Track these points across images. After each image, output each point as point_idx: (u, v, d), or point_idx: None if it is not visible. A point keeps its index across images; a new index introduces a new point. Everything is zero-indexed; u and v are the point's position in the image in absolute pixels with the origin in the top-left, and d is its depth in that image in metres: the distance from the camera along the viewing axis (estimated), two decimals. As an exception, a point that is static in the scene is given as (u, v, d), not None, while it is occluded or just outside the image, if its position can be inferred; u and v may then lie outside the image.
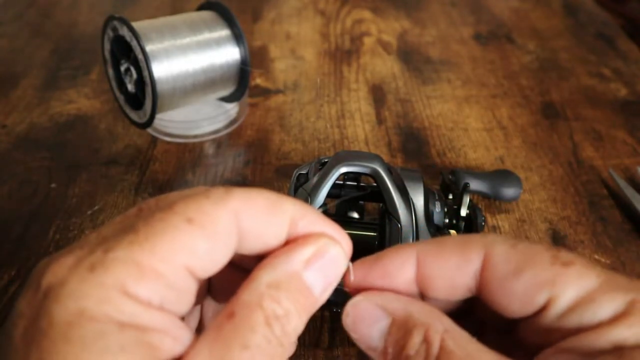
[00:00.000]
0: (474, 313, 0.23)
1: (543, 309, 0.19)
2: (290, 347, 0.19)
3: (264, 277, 0.19)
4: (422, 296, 0.22)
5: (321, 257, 0.20)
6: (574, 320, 0.19)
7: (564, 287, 0.19)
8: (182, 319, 0.19)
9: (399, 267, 0.22)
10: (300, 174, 0.38)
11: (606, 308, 0.18)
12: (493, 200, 0.48)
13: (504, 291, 0.20)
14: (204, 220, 0.18)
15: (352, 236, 0.36)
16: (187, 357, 0.17)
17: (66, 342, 0.16)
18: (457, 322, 0.20)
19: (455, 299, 0.22)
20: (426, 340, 0.19)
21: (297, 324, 0.19)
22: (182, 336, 0.18)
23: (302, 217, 0.20)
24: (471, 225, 0.39)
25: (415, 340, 0.19)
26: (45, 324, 0.16)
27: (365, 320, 0.21)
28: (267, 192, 0.20)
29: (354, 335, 0.21)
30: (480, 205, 0.48)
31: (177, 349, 0.18)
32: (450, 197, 0.45)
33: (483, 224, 0.39)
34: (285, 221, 0.20)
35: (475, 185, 0.47)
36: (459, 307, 0.23)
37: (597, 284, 0.19)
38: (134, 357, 0.16)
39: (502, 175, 0.48)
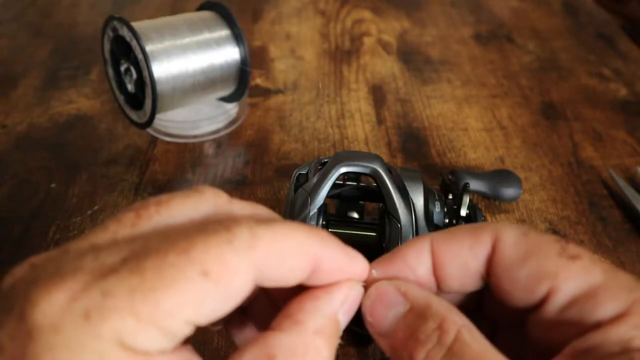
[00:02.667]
0: (485, 312, 0.23)
1: (545, 300, 0.19)
2: None
3: (310, 322, 0.19)
4: (439, 291, 0.22)
5: (350, 297, 0.21)
6: (574, 315, 0.19)
7: (566, 279, 0.19)
8: None
9: (416, 257, 0.22)
10: (300, 174, 0.38)
11: (608, 305, 0.18)
12: (493, 200, 0.48)
13: (508, 278, 0.20)
14: (221, 274, 0.17)
15: (352, 236, 0.36)
16: None
17: None
18: (469, 320, 0.20)
19: (468, 288, 0.22)
20: (441, 328, 0.19)
21: None
22: None
23: (326, 255, 0.20)
24: (471, 225, 0.39)
25: (429, 326, 0.19)
26: None
27: (384, 304, 0.21)
28: (294, 232, 0.19)
29: (369, 318, 0.21)
30: (480, 205, 0.48)
31: None
32: (450, 197, 0.45)
33: (483, 224, 0.39)
34: (309, 263, 0.19)
35: (475, 185, 0.47)
36: (471, 305, 0.23)
37: (601, 280, 0.19)
38: None
39: (502, 175, 0.48)
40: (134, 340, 0.15)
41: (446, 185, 0.47)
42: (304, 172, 0.38)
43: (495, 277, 0.21)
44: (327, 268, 0.20)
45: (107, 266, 0.16)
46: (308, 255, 0.19)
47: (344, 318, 0.20)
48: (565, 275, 0.19)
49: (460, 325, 0.19)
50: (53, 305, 0.15)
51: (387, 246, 0.34)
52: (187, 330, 0.17)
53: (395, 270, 0.22)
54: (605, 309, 0.18)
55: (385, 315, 0.21)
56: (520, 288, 0.20)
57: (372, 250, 0.35)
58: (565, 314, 0.19)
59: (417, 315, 0.20)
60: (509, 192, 0.47)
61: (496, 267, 0.21)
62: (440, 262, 0.22)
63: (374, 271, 0.22)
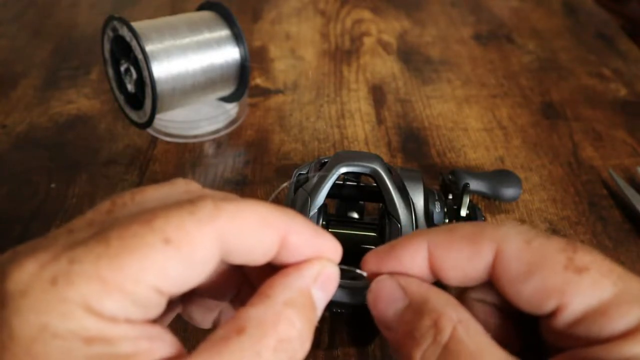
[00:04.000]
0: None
1: (553, 314, 0.19)
2: None
3: (279, 295, 0.19)
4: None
5: (323, 274, 0.21)
6: (583, 331, 0.18)
7: (573, 296, 0.18)
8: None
9: (411, 258, 0.21)
10: (300, 174, 0.38)
11: (618, 323, 0.18)
12: (493, 201, 0.48)
13: (513, 291, 0.20)
14: (183, 241, 0.17)
15: (352, 236, 0.36)
16: None
17: (30, 358, 0.15)
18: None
19: (470, 285, 0.22)
20: (436, 326, 0.19)
21: (305, 346, 0.19)
22: (159, 340, 0.17)
23: (294, 230, 0.20)
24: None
25: (425, 323, 0.19)
26: (5, 337, 0.16)
27: (385, 299, 0.21)
28: (259, 206, 0.19)
29: (372, 311, 0.22)
30: (480, 205, 0.48)
31: (159, 353, 0.17)
32: (450, 197, 0.45)
33: (483, 224, 0.39)
34: (275, 237, 0.19)
35: (475, 185, 0.47)
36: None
37: (611, 294, 0.18)
38: None
39: (502, 176, 0.48)
40: (100, 305, 0.16)
41: (446, 185, 0.47)
42: (304, 172, 0.38)
43: (500, 287, 0.20)
44: (295, 243, 0.20)
45: (77, 241, 0.17)
46: (273, 229, 0.19)
47: (320, 295, 0.20)
48: (573, 292, 0.18)
49: (456, 322, 0.19)
50: (23, 274, 0.16)
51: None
52: (155, 300, 0.17)
53: (389, 267, 0.22)
54: (614, 327, 0.18)
55: (386, 310, 0.21)
56: (526, 302, 0.19)
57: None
58: (574, 329, 0.19)
59: (414, 311, 0.20)
60: (509, 192, 0.47)
61: (500, 279, 0.20)
62: (438, 267, 0.21)
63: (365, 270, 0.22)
